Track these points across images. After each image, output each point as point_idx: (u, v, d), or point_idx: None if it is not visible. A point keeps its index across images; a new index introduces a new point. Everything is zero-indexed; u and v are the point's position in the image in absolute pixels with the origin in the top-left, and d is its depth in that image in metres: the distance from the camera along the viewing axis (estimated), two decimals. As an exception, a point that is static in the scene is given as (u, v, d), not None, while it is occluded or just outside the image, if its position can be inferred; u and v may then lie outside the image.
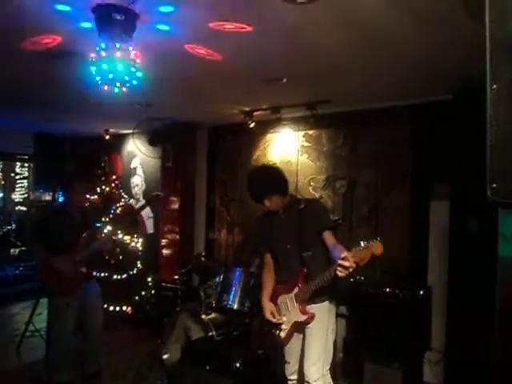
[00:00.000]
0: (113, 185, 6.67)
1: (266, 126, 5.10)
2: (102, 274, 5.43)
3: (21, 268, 7.02)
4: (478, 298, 3.25)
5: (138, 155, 6.70)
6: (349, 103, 4.36)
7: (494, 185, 0.88)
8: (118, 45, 2.23)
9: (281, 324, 2.72)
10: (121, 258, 5.90)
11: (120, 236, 5.88)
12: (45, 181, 7.63)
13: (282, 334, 2.72)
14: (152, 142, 6.13)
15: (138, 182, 6.80)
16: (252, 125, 4.88)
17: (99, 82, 2.35)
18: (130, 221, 5.86)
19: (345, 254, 2.28)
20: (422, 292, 3.69)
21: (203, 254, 5.13)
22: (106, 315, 5.06)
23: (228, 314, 3.93)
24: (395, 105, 4.12)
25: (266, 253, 2.97)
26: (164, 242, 6.00)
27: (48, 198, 7.99)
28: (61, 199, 6.46)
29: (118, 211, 6.24)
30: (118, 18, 2.14)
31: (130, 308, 5.45)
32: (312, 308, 2.66)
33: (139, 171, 6.79)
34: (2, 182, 8.37)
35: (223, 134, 5.82)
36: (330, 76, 3.40)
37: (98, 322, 3.65)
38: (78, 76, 3.14)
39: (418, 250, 3.99)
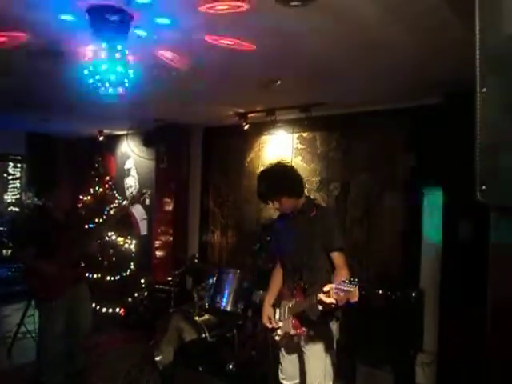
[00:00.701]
0: (106, 186, 6.66)
1: (260, 127, 5.11)
2: (95, 276, 5.41)
3: (13, 269, 6.97)
4: (470, 299, 3.28)
5: (132, 156, 6.69)
6: (342, 106, 4.39)
7: (484, 187, 0.89)
8: (111, 45, 2.24)
9: (277, 329, 2.69)
10: (114, 259, 5.88)
11: (113, 237, 5.86)
12: (37, 181, 7.59)
13: (278, 338, 2.70)
14: (146, 143, 6.12)
15: (131, 183, 6.78)
16: (246, 127, 4.88)
17: (93, 83, 2.35)
18: (124, 222, 5.84)
19: (328, 287, 2.16)
20: (414, 294, 3.71)
21: (197, 255, 5.12)
22: (98, 317, 5.06)
23: (221, 315, 3.93)
24: (388, 108, 4.15)
25: (276, 256, 2.92)
26: (157, 243, 5.98)
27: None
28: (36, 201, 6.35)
29: (111, 212, 6.22)
30: (113, 18, 2.14)
31: (122, 310, 5.42)
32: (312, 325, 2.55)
33: (133, 172, 6.77)
34: (-5, 183, 8.32)
35: (218, 135, 5.82)
36: (325, 79, 3.42)
37: (87, 325, 3.65)
38: (72, 77, 3.13)
39: (410, 252, 4.01)
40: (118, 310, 5.46)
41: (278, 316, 2.74)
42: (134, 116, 5.11)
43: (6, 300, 6.05)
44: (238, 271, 3.99)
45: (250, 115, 4.77)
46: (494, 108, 0.87)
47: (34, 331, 4.37)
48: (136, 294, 5.51)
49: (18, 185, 8.37)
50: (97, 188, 6.57)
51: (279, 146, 5.15)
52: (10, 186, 8.39)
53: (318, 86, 3.67)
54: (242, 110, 4.73)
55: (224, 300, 3.86)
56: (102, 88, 2.38)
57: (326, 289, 2.17)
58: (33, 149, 7.27)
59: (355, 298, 2.16)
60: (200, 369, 3.63)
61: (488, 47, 0.91)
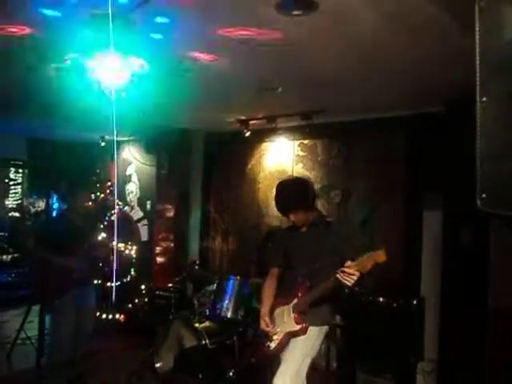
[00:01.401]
0: (107, 192, 6.66)
1: (261, 134, 5.13)
2: (96, 282, 5.40)
3: (13, 275, 6.96)
4: (471, 307, 3.27)
5: (134, 162, 6.71)
6: (343, 114, 4.40)
7: (484, 195, 0.90)
8: (115, 52, 2.25)
9: (274, 335, 2.72)
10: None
11: (114, 243, 5.85)
12: (39, 187, 7.60)
13: (272, 345, 2.73)
14: (147, 149, 6.14)
15: (132, 189, 6.79)
16: (248, 133, 4.90)
17: (96, 89, 2.36)
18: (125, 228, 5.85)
19: (348, 262, 2.31)
20: (415, 302, 3.70)
21: (197, 262, 5.12)
22: (98, 322, 5.04)
23: (222, 322, 3.92)
24: (389, 116, 4.17)
25: (276, 266, 2.95)
26: (158, 249, 5.98)
27: (42, 204, 7.95)
28: (56, 206, 6.44)
29: (112, 218, 6.22)
30: (116, 25, 2.16)
31: (122, 316, 5.41)
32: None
33: (134, 178, 6.78)
34: (-4, 188, 8.33)
35: (219, 142, 5.84)
36: (326, 87, 3.44)
37: (88, 327, 3.68)
38: (75, 82, 3.15)
39: (411, 259, 4.01)
40: (118, 316, 5.44)
41: (275, 322, 2.76)
42: (136, 122, 5.13)
43: (6, 305, 6.03)
44: (239, 278, 3.99)
45: (251, 122, 4.79)
46: (494, 117, 0.88)
47: (34, 337, 4.37)
48: (136, 300, 5.50)
49: (20, 190, 8.37)
50: (98, 194, 6.58)
51: (280, 153, 5.16)
52: (11, 192, 8.39)
53: (319, 93, 3.68)
54: (243, 117, 4.75)
55: (224, 307, 3.86)
56: (105, 93, 2.39)
57: (346, 264, 2.30)
58: (34, 154, 7.29)
59: (383, 258, 2.27)
60: (200, 376, 3.62)
61: (488, 52, 0.92)
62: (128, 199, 6.79)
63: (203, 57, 2.78)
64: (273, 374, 2.71)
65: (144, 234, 6.42)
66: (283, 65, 2.94)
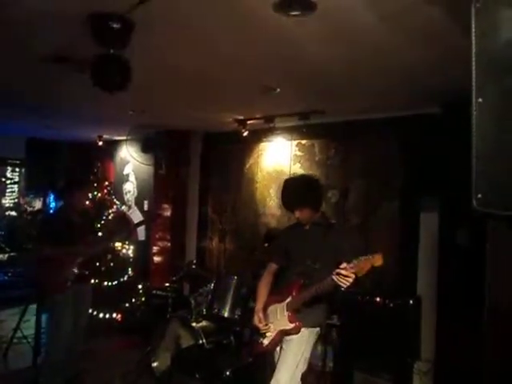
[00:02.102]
0: (105, 191, 6.66)
1: (259, 134, 5.13)
2: (93, 281, 5.40)
3: (9, 274, 6.94)
4: (468, 307, 3.28)
5: (131, 162, 6.70)
6: (341, 114, 4.41)
7: (480, 195, 0.91)
8: (113, 52, 2.25)
9: (266, 331, 2.75)
10: (111, 264, 5.87)
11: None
12: (36, 186, 7.59)
13: (265, 342, 2.76)
14: (145, 148, 6.13)
15: (130, 188, 6.79)
16: (245, 133, 4.91)
17: (93, 88, 2.36)
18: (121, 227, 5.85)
19: (344, 264, 2.31)
20: (411, 301, 3.71)
21: (194, 261, 5.11)
22: (95, 322, 5.04)
23: (219, 322, 3.92)
24: (386, 116, 4.18)
25: (275, 262, 2.96)
26: (155, 249, 5.98)
27: (38, 203, 7.94)
28: (53, 205, 6.45)
29: (109, 217, 6.22)
30: (114, 26, 2.16)
31: (119, 315, 5.40)
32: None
33: (132, 178, 6.78)
34: (-7, 187, 8.31)
35: (216, 141, 5.85)
36: (323, 87, 3.44)
37: (84, 324, 3.72)
38: (73, 82, 3.15)
39: (407, 259, 4.02)
40: (114, 315, 5.44)
41: (269, 319, 2.78)
42: (134, 121, 5.13)
43: (3, 304, 6.01)
44: (236, 277, 3.99)
45: (249, 122, 4.79)
46: (489, 118, 0.89)
47: (31, 336, 4.36)
48: (133, 300, 5.50)
49: (16, 189, 8.36)
50: (95, 193, 6.57)
51: (278, 153, 5.17)
52: (7, 191, 8.38)
53: (317, 94, 3.69)
54: (241, 117, 4.76)
55: (221, 306, 3.86)
56: (104, 93, 2.39)
57: (342, 266, 2.31)
58: (32, 154, 7.28)
59: (379, 262, 2.29)
60: (197, 375, 3.62)
61: (484, 54, 0.93)
62: (125, 198, 6.79)
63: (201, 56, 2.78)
64: (271, 371, 2.73)
65: (141, 234, 6.42)
66: (281, 65, 2.94)
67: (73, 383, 3.62)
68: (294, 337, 2.66)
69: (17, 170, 8.20)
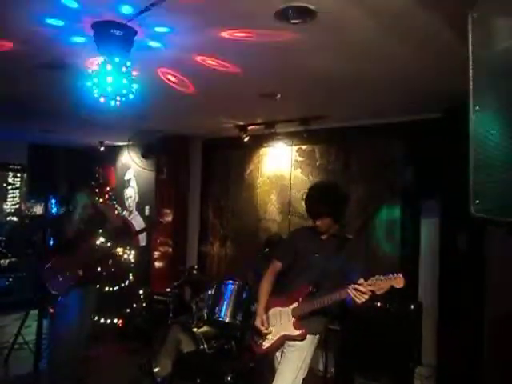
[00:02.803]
0: (106, 196, 6.66)
1: (260, 140, 5.15)
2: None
3: (10, 279, 6.93)
4: (469, 312, 3.28)
5: (132, 167, 6.72)
6: (342, 119, 4.44)
7: (477, 201, 0.92)
8: (115, 59, 2.28)
9: (267, 334, 2.72)
10: (113, 269, 5.87)
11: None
12: (37, 191, 7.59)
13: (266, 344, 2.73)
14: (146, 154, 6.16)
15: (131, 193, 6.80)
16: (246, 139, 4.93)
17: (95, 95, 2.38)
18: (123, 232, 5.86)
19: (361, 280, 2.29)
20: (412, 307, 3.71)
21: (196, 267, 5.11)
22: (96, 327, 5.03)
23: (220, 327, 3.92)
24: (387, 122, 4.20)
25: (282, 262, 2.88)
26: (156, 254, 5.98)
27: (40, 209, 7.94)
28: (55, 210, 6.47)
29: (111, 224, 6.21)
30: (117, 33, 2.19)
31: (120, 321, 5.40)
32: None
33: (133, 183, 6.80)
34: (-6, 193, 8.32)
35: (217, 147, 5.87)
36: (324, 93, 3.47)
37: (87, 329, 3.70)
38: (75, 88, 3.17)
39: (408, 264, 4.02)
40: (116, 320, 5.43)
41: (270, 322, 2.75)
42: (135, 127, 5.15)
43: (4, 310, 6.01)
44: (237, 282, 3.99)
45: (249, 127, 4.81)
46: (486, 124, 0.90)
47: (32, 342, 4.36)
48: (134, 305, 5.49)
49: (18, 194, 8.37)
50: (97, 198, 6.58)
51: (279, 159, 5.19)
52: (9, 196, 8.39)
53: (318, 99, 3.71)
54: (241, 123, 4.78)
55: (223, 311, 3.85)
56: (105, 100, 2.41)
57: (359, 281, 2.28)
58: (33, 159, 7.30)
59: (401, 284, 2.26)
60: (198, 381, 3.61)
61: (481, 62, 0.94)
62: (127, 204, 6.80)
63: (202, 62, 2.80)
64: (272, 376, 2.72)
65: (142, 239, 6.42)
66: (282, 71, 2.96)
67: None
68: (297, 343, 2.65)
69: (18, 175, 8.21)
